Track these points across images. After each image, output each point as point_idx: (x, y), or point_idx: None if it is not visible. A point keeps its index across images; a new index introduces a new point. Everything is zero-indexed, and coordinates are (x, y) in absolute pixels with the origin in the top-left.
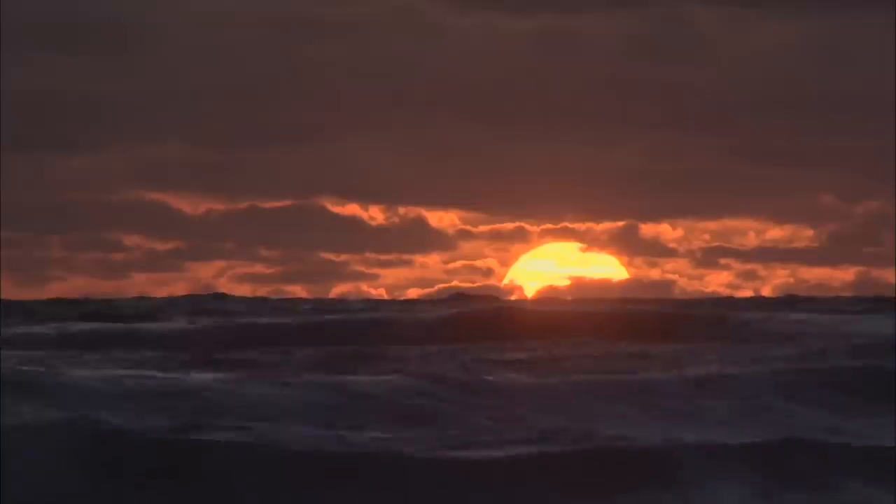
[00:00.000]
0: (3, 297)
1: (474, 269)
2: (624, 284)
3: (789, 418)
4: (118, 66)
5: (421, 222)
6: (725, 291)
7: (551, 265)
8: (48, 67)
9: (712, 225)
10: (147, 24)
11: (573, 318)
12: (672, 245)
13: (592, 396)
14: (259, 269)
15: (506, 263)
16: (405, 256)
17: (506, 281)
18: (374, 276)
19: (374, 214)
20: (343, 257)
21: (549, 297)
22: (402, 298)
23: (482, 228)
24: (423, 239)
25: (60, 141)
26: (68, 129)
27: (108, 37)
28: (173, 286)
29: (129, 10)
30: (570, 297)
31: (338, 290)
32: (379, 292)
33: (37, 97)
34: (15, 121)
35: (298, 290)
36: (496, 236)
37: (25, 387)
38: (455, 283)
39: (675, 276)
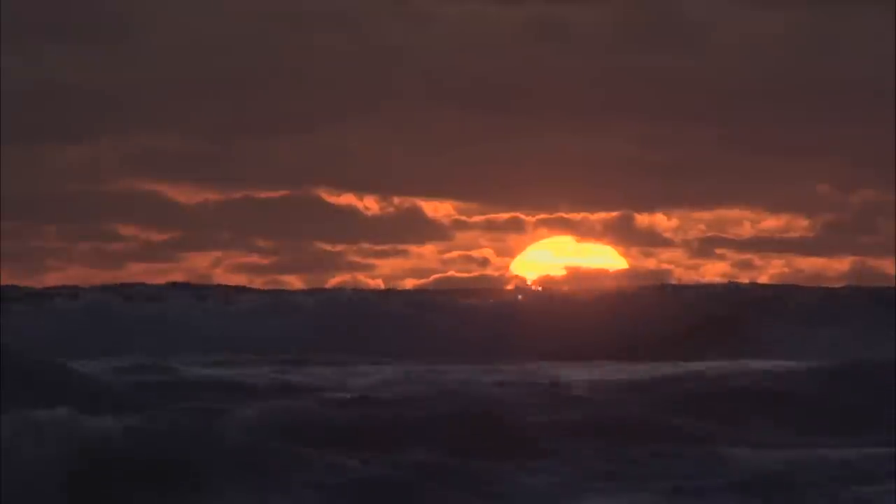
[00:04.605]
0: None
1: (470, 259)
2: (621, 275)
3: None
4: (112, 57)
5: (416, 212)
6: (722, 281)
7: (548, 255)
8: (42, 58)
9: (707, 215)
10: (141, 15)
11: None
12: (667, 235)
13: None
14: (254, 259)
15: (501, 253)
16: (400, 247)
17: (502, 271)
18: (370, 267)
19: (369, 204)
20: (338, 248)
21: (547, 288)
22: (400, 289)
23: (477, 219)
24: (418, 229)
25: (55, 131)
26: (63, 119)
27: (102, 27)
28: (169, 276)
29: (123, 1)
30: (567, 288)
31: (334, 280)
32: (376, 282)
33: (32, 87)
34: (10, 111)
35: (294, 281)
36: (491, 227)
37: None
38: (451, 273)
39: (671, 266)
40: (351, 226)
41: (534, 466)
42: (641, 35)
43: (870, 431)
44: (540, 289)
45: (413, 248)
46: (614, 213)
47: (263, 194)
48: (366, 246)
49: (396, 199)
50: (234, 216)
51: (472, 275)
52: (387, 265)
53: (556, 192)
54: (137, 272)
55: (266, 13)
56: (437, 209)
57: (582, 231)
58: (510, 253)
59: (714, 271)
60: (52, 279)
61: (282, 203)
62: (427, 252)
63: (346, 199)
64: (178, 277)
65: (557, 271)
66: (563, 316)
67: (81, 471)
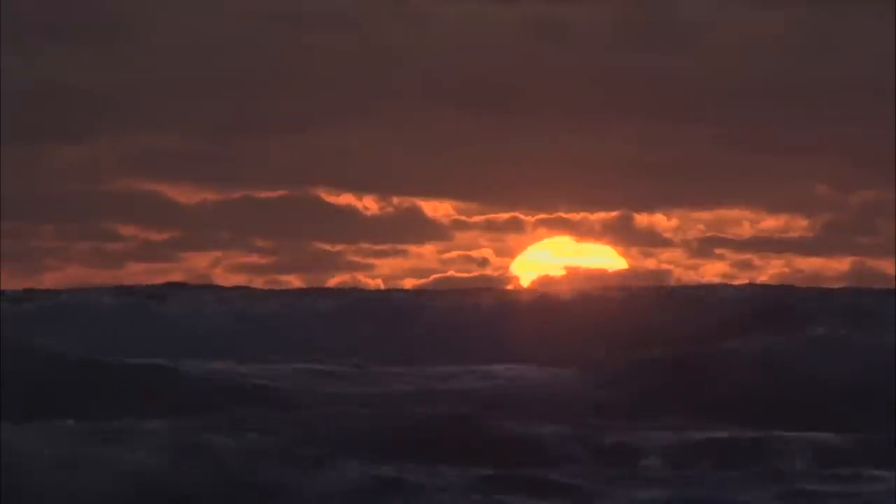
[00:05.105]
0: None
1: (469, 259)
2: (621, 275)
3: None
4: (112, 57)
5: (415, 212)
6: (721, 282)
7: (547, 255)
8: (41, 57)
9: (707, 215)
10: (141, 15)
11: None
12: (667, 235)
13: None
14: (254, 259)
15: (501, 253)
16: (400, 247)
17: (502, 271)
18: (370, 266)
19: (369, 204)
20: (338, 247)
21: (546, 288)
22: (399, 288)
23: (476, 219)
24: (417, 229)
25: (54, 131)
26: (62, 119)
27: (102, 27)
28: (168, 276)
29: (123, 1)
30: (566, 287)
31: (333, 280)
32: (375, 282)
33: (32, 87)
34: (10, 111)
35: (293, 280)
36: (491, 227)
37: None
38: (451, 273)
39: (670, 266)
40: (350, 226)
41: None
42: (640, 35)
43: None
44: (536, 289)
45: (412, 248)
46: (613, 213)
47: (263, 194)
48: (365, 246)
49: (396, 199)
50: (234, 216)
51: (471, 275)
52: (386, 265)
53: (556, 193)
54: (137, 272)
55: (266, 13)
56: (437, 209)
57: (581, 231)
58: (510, 253)
59: (713, 271)
60: (50, 279)
61: (281, 203)
62: (426, 252)
63: (346, 198)
64: (177, 277)
65: (557, 271)
66: (561, 316)
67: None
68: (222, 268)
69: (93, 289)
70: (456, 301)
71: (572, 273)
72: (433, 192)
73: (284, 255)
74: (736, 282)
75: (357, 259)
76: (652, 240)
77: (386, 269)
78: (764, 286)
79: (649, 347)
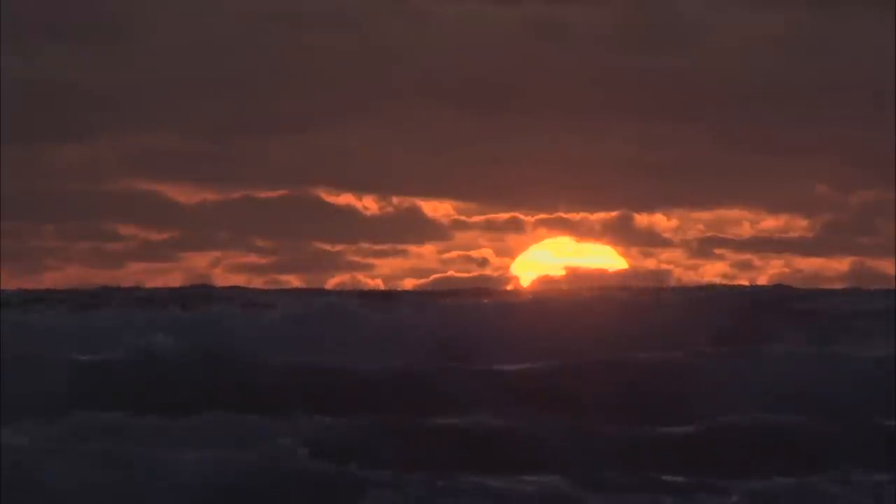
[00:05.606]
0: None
1: (469, 259)
2: (621, 275)
3: None
4: (112, 57)
5: (415, 212)
6: (722, 282)
7: (547, 255)
8: (41, 57)
9: (706, 215)
10: (141, 15)
11: None
12: (667, 235)
13: None
14: (253, 258)
15: (501, 253)
16: (400, 247)
17: (502, 271)
18: (369, 266)
19: (368, 204)
20: (338, 247)
21: (546, 288)
22: (400, 289)
23: (476, 219)
24: (417, 229)
25: (54, 130)
26: (62, 119)
27: (102, 27)
28: (168, 276)
29: (123, 1)
30: (566, 287)
31: (333, 280)
32: (375, 282)
33: (31, 87)
34: (10, 111)
35: (293, 280)
36: (491, 227)
37: None
38: (451, 273)
39: (670, 267)
40: (350, 226)
41: None
42: (640, 35)
43: None
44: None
45: (412, 248)
46: (613, 213)
47: (262, 194)
48: (365, 246)
49: (396, 199)
50: (234, 216)
51: (471, 275)
52: (386, 265)
53: (556, 192)
54: (137, 272)
55: (266, 13)
56: (437, 209)
57: (581, 231)
58: (510, 253)
59: (713, 271)
60: (50, 279)
61: (281, 203)
62: (426, 252)
63: (346, 198)
64: (177, 277)
65: (557, 271)
66: (560, 317)
67: None
68: (222, 268)
69: (92, 289)
70: (456, 301)
71: (572, 273)
72: (433, 192)
73: (284, 255)
74: (736, 282)
75: (357, 259)
76: (652, 240)
77: (386, 269)
78: (763, 286)
79: (646, 346)
